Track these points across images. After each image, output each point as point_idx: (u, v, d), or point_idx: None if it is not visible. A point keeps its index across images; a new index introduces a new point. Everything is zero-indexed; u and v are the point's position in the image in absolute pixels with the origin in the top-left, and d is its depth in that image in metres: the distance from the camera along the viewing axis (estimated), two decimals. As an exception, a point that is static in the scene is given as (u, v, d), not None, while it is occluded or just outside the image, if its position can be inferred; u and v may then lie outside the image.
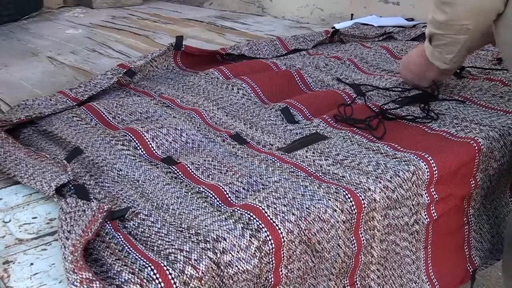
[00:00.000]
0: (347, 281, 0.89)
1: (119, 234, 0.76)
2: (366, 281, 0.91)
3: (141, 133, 1.06)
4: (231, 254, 0.72)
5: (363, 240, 0.87)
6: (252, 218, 0.77)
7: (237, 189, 0.88)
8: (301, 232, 0.78)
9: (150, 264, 0.68)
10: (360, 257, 0.88)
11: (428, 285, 1.00)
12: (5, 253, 0.76)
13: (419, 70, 1.22)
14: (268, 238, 0.75)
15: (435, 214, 0.97)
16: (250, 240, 0.74)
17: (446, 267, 1.03)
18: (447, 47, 1.06)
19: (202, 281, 0.69)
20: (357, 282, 0.90)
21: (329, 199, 0.83)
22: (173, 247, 0.72)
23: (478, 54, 1.55)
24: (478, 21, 0.97)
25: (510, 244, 1.04)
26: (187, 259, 0.70)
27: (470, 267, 1.07)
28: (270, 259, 0.76)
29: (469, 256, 1.07)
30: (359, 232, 0.86)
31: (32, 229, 0.82)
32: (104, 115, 1.19)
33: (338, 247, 0.84)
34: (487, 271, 1.43)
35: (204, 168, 0.96)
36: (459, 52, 1.07)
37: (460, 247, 1.06)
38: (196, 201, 0.85)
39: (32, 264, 0.73)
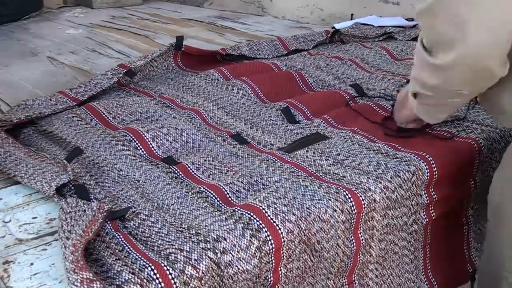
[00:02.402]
0: (345, 280, 0.89)
1: (120, 234, 0.76)
2: (365, 280, 0.91)
3: (142, 133, 1.06)
4: (231, 254, 0.72)
5: (362, 239, 0.87)
6: (252, 218, 0.77)
7: (237, 189, 0.88)
8: (301, 232, 0.78)
9: (150, 264, 0.68)
10: (358, 256, 0.88)
11: (426, 284, 1.00)
12: (5, 253, 0.76)
13: (399, 106, 1.06)
14: (268, 238, 0.75)
15: (434, 214, 0.97)
16: (250, 240, 0.74)
17: (445, 267, 1.03)
18: (436, 107, 0.90)
19: (202, 281, 0.69)
20: (355, 281, 0.90)
21: (329, 199, 0.83)
22: (173, 247, 0.72)
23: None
24: (476, 87, 0.81)
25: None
26: (187, 259, 0.70)
27: (470, 267, 1.07)
28: (270, 259, 0.76)
29: (468, 257, 1.07)
30: (359, 232, 0.86)
31: (32, 229, 0.82)
32: (104, 115, 1.19)
33: (337, 247, 0.84)
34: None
35: (205, 168, 0.96)
36: (450, 111, 0.95)
37: (459, 248, 1.06)
38: (197, 201, 0.85)
39: (32, 264, 0.73)
